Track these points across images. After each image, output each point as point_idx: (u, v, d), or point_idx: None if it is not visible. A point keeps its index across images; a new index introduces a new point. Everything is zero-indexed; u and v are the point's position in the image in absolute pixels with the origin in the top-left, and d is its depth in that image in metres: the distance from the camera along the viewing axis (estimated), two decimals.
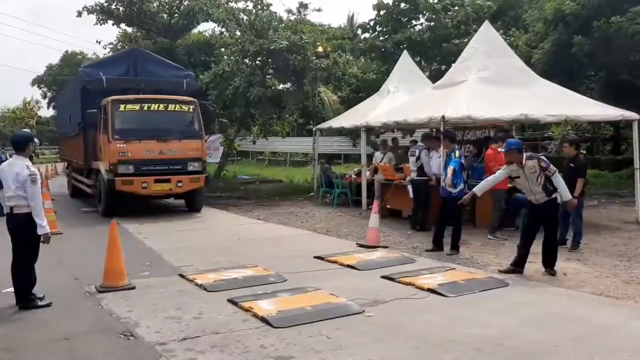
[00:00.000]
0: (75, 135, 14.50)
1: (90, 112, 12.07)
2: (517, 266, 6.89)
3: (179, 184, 11.93)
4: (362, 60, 23.17)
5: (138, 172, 11.61)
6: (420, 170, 10.01)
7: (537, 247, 8.33)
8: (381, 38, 19.57)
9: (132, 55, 14.37)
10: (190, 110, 12.51)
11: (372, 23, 20.03)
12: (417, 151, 10.11)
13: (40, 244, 5.66)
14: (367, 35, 20.62)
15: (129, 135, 11.79)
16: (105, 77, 12.93)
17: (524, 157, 6.76)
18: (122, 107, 11.95)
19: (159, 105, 12.23)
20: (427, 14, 19.48)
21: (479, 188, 7.33)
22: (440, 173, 8.87)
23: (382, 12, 19.48)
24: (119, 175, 11.48)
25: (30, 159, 5.94)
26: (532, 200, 6.91)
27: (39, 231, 5.48)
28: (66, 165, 28.57)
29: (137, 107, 12.10)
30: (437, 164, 9.71)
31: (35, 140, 5.92)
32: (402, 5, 19.40)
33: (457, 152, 8.23)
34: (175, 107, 12.39)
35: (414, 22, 20.03)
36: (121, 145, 11.61)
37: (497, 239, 9.05)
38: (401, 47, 18.22)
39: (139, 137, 11.81)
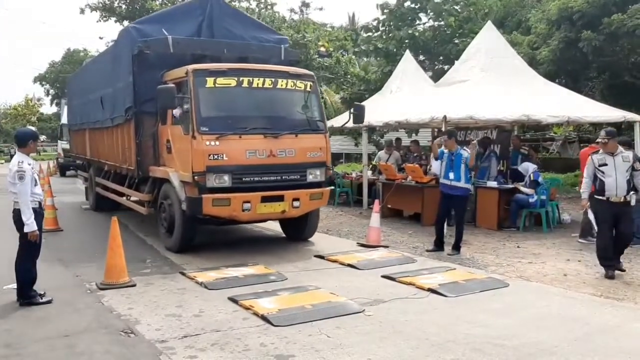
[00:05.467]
0: (116, 127, 9.84)
1: (164, 88, 7.69)
2: None
3: (295, 204, 7.88)
4: (365, 59, 23.11)
5: (237, 186, 7.57)
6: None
7: (537, 249, 8.41)
8: (384, 37, 19.57)
9: (206, 6, 9.24)
10: (309, 89, 8.37)
11: (375, 23, 20.04)
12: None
13: (43, 240, 5.70)
14: (369, 34, 20.61)
15: (223, 126, 7.67)
16: (171, 38, 8.57)
17: None
18: (209, 81, 7.71)
19: (264, 81, 7.99)
20: (431, 13, 19.50)
21: None
22: (441, 172, 8.84)
23: (385, 12, 19.49)
24: (207, 191, 7.42)
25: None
26: None
27: (25, 229, 5.50)
28: (56, 162, 26.53)
29: (232, 81, 7.81)
30: (436, 165, 9.68)
31: (42, 137, 6.01)
32: (407, 4, 19.41)
33: (465, 152, 8.08)
34: (287, 84, 8.20)
35: (417, 21, 20.07)
36: (212, 143, 7.43)
37: (587, 241, 8.75)
38: (404, 45, 18.23)
39: (238, 130, 7.68)
